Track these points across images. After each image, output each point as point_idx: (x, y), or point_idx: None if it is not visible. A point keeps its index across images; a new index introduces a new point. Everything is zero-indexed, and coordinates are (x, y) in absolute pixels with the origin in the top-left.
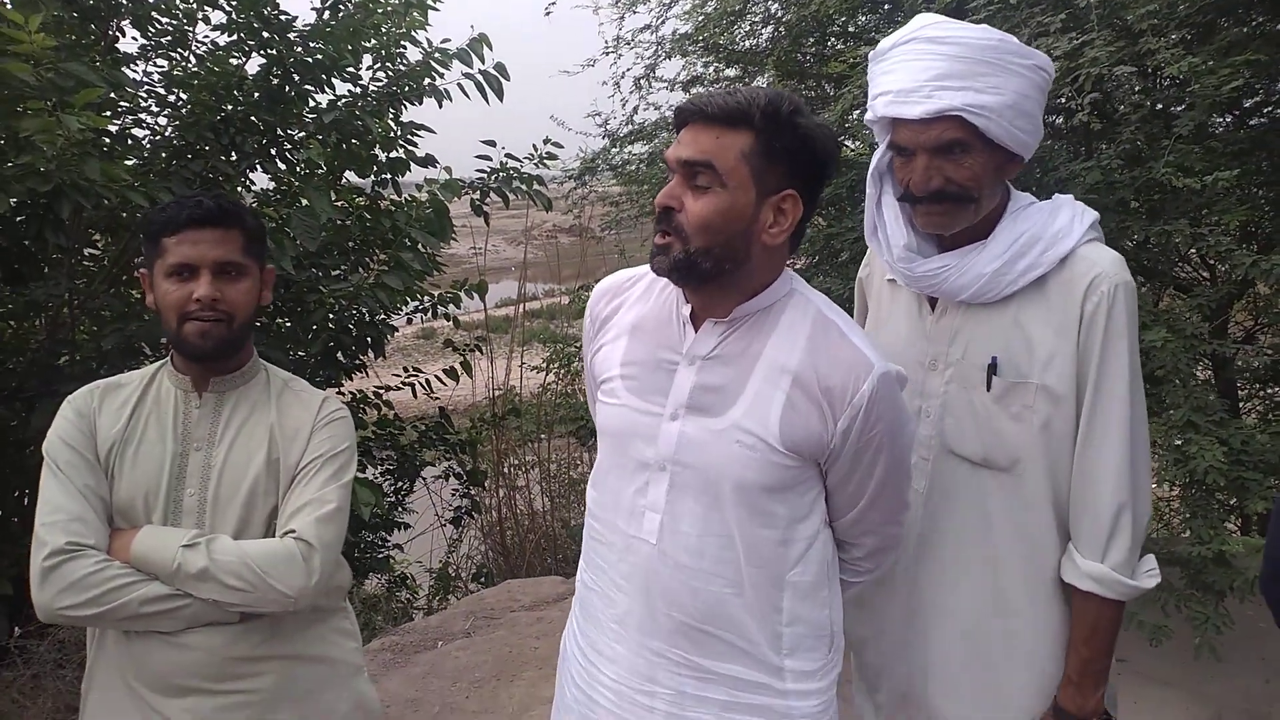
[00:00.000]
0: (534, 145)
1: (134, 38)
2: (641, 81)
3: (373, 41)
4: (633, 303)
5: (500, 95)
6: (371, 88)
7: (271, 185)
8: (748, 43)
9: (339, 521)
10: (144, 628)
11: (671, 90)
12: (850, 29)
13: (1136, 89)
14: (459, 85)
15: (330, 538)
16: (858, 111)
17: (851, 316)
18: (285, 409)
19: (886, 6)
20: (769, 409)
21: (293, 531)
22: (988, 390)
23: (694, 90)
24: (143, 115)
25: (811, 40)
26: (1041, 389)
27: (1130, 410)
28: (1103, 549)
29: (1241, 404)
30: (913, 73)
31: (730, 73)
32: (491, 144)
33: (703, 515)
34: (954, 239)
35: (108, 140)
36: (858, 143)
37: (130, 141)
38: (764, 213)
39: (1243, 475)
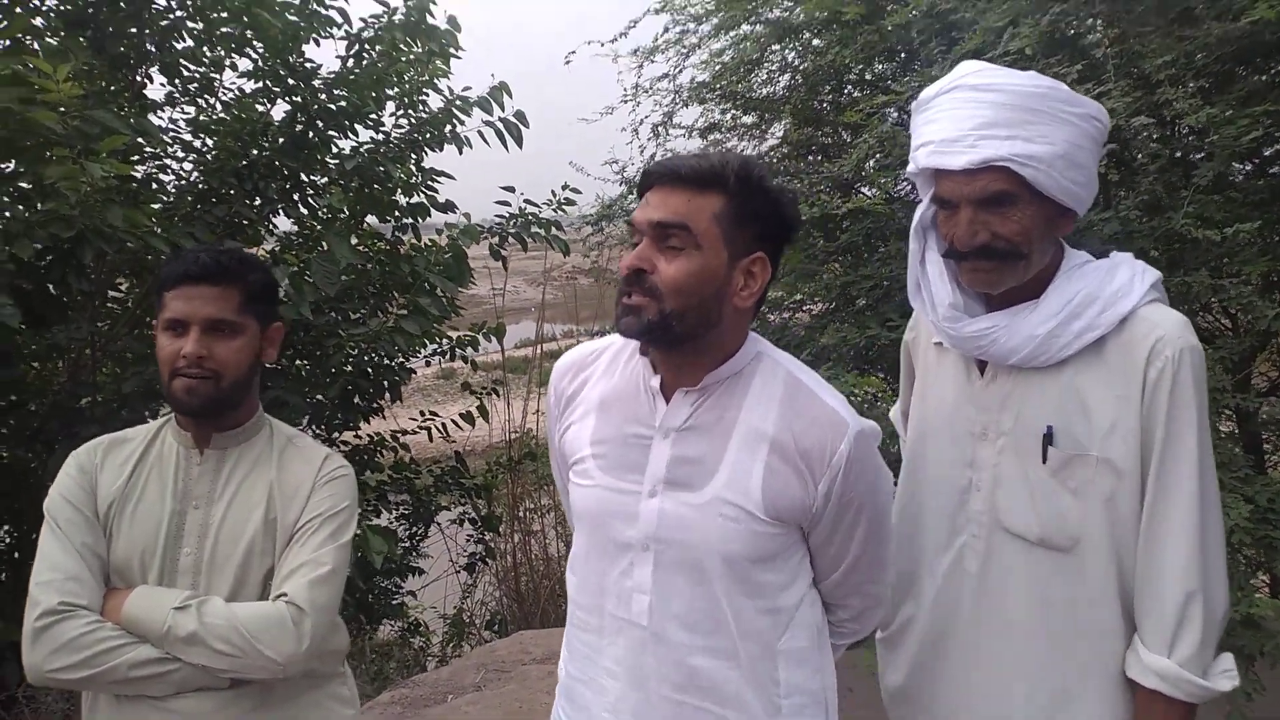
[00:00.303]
0: (552, 191)
1: (162, 84)
2: (659, 128)
3: (395, 90)
4: (598, 377)
5: (520, 142)
6: (394, 134)
7: (294, 229)
8: (765, 90)
9: (334, 584)
10: (133, 692)
11: (689, 137)
12: (867, 77)
13: (1154, 138)
14: (479, 132)
15: (324, 601)
16: (873, 160)
17: (894, 375)
18: (286, 466)
19: (903, 55)
20: (749, 478)
21: (284, 595)
22: (1043, 462)
23: (711, 137)
24: (168, 161)
25: (828, 88)
26: (1103, 462)
27: (1200, 486)
28: (1169, 642)
29: (1267, 459)
30: (956, 121)
31: (747, 120)
32: (510, 190)
33: (692, 592)
34: (1003, 298)
35: (133, 185)
36: (874, 190)
37: (155, 187)
38: (735, 275)
39: (1270, 534)
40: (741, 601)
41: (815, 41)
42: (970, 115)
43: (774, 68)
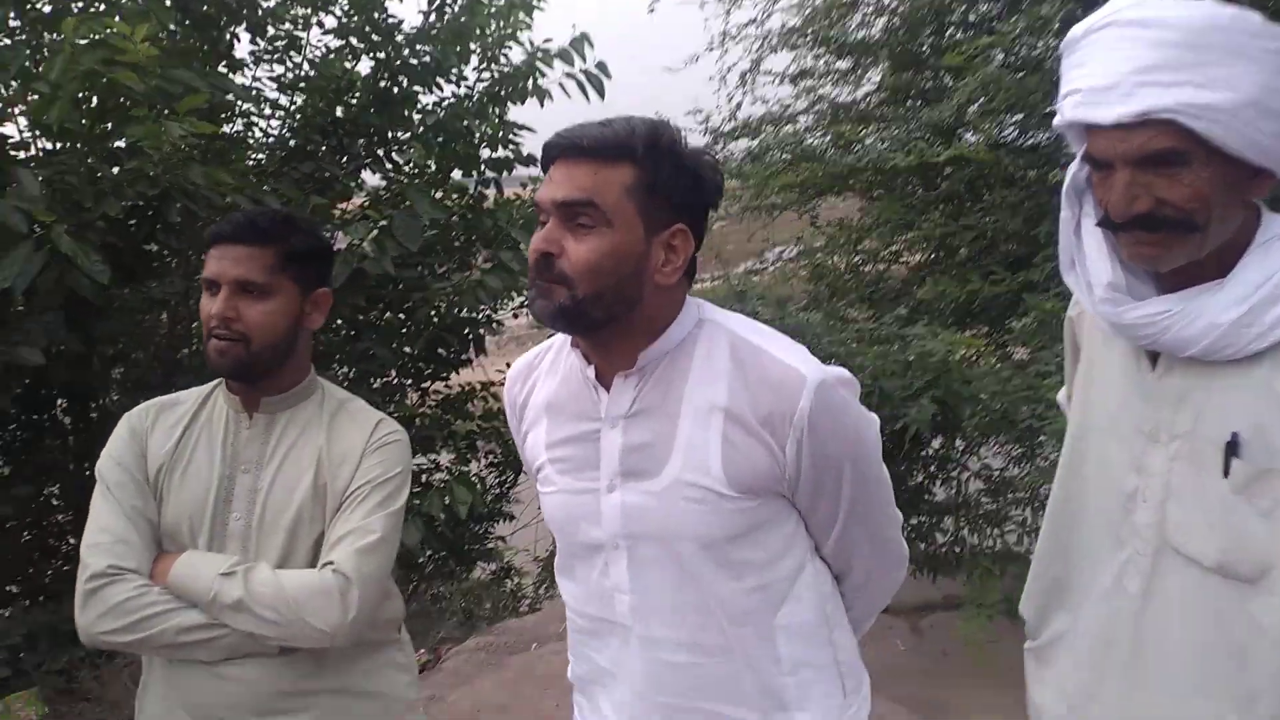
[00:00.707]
0: None
1: (249, 43)
2: (747, 76)
3: (477, 43)
4: (543, 379)
5: (601, 93)
6: (476, 88)
7: (382, 185)
8: (860, 34)
9: (383, 553)
10: (182, 656)
11: (779, 84)
12: (970, 18)
13: None
14: (560, 85)
15: (371, 570)
16: (976, 104)
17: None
18: (337, 431)
19: None
20: (707, 454)
21: (331, 563)
22: (1225, 475)
23: (803, 84)
24: (255, 119)
25: (928, 30)
26: None
27: None
28: None
29: None
30: (1108, 65)
31: (841, 65)
32: None
33: (671, 585)
34: (1178, 276)
35: (220, 144)
36: (976, 136)
37: (248, 144)
38: (654, 252)
39: None
40: (725, 585)
41: None
42: (1125, 57)
43: (870, 10)
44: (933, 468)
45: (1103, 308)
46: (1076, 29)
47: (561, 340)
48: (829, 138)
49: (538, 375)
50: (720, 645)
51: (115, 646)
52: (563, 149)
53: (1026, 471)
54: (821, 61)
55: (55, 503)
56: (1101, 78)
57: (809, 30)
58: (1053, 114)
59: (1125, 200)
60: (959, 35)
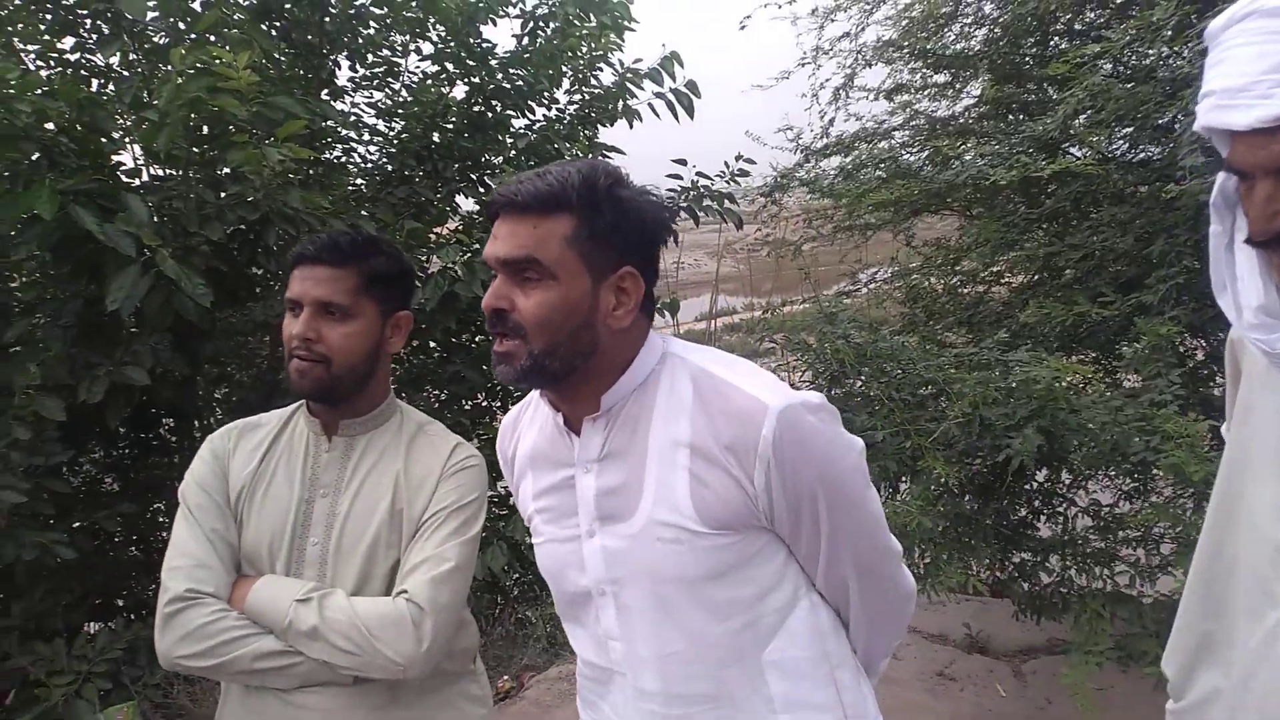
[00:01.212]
0: (725, 162)
1: (348, 71)
2: (840, 92)
3: (569, 66)
4: (525, 431)
5: (691, 113)
6: (567, 111)
7: (476, 209)
8: (958, 46)
9: (457, 582)
10: (257, 683)
11: (874, 100)
12: (1076, 26)
13: None
14: (650, 105)
15: (446, 600)
16: (1083, 115)
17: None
18: (414, 455)
19: (1120, 1)
20: (675, 493)
21: (405, 593)
22: None
23: (898, 99)
24: (353, 145)
25: (1031, 41)
26: None
27: None
28: None
29: None
30: (1242, 63)
31: (939, 79)
32: (682, 163)
33: (656, 632)
34: None
35: (318, 170)
36: (1083, 150)
37: (346, 170)
38: (603, 297)
39: None
40: (710, 628)
41: None
42: (1261, 54)
43: (969, 21)
44: (1037, 502)
45: (1253, 334)
46: (1217, 21)
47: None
48: (926, 153)
49: (522, 428)
50: (709, 693)
51: (193, 671)
52: (501, 205)
53: (1139, 508)
54: (918, 75)
55: (161, 520)
56: (1237, 77)
57: (905, 44)
58: (1166, 127)
59: (1264, 215)
60: (1063, 45)
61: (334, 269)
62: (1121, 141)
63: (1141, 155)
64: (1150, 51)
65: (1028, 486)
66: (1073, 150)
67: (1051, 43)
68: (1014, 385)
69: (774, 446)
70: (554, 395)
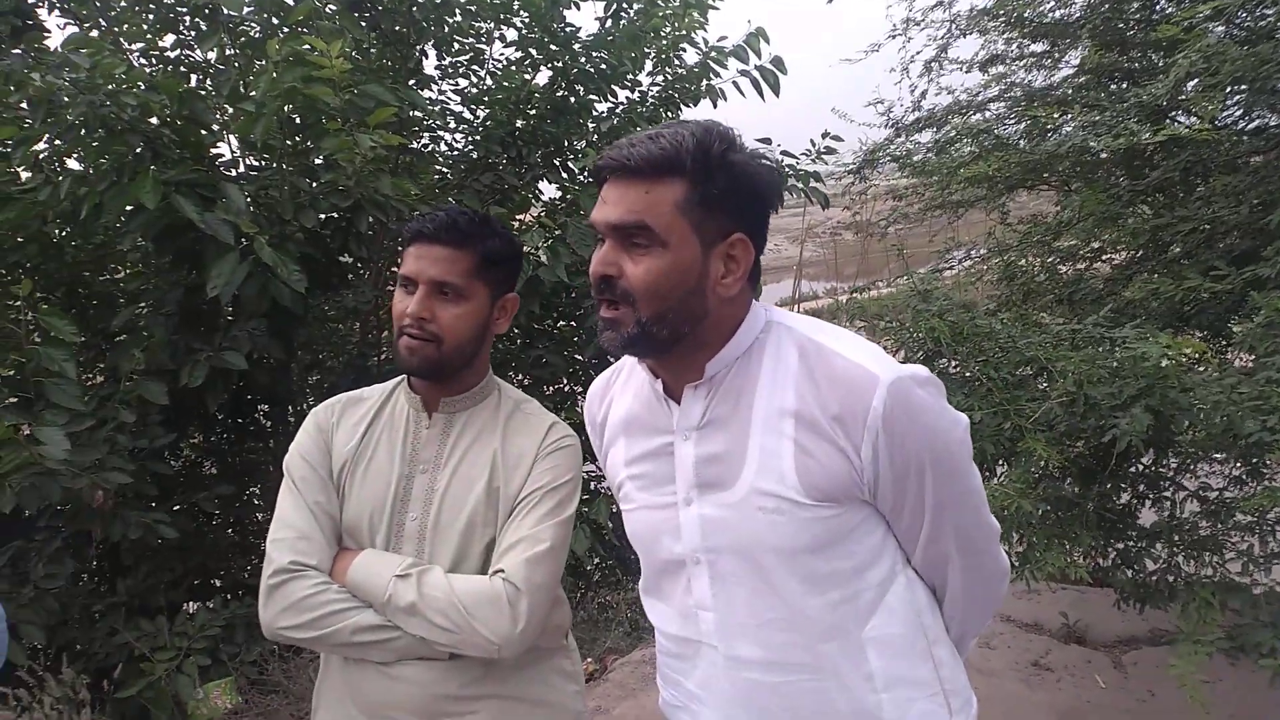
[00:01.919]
0: (811, 140)
1: (435, 60)
2: (932, 64)
3: (652, 48)
4: (619, 396)
5: (776, 90)
6: (650, 93)
7: (559, 195)
8: (1057, 13)
9: (553, 562)
10: (357, 655)
11: (967, 71)
12: None
13: None
14: (734, 83)
15: (541, 580)
16: (1195, 80)
17: None
18: (511, 434)
19: None
20: (781, 462)
21: (501, 571)
22: None
23: (993, 70)
24: (441, 132)
25: (1135, 6)
26: None
27: None
28: None
29: None
30: None
31: (1036, 48)
32: (767, 142)
33: (755, 601)
34: None
35: (408, 158)
36: (1191, 119)
37: (435, 157)
38: (713, 264)
39: None
40: (809, 600)
41: None
42: None
43: None
44: (1142, 486)
45: None
46: None
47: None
48: (1023, 125)
49: (613, 393)
50: (808, 663)
51: (295, 641)
52: (611, 169)
53: (1252, 493)
54: (1014, 45)
55: (256, 502)
56: None
57: (1001, 12)
58: None
59: None
60: (1170, 9)
61: (451, 249)
62: (1235, 108)
63: (1257, 122)
64: (1269, 12)
65: (1132, 470)
66: (1180, 119)
67: (1158, 6)
68: (1121, 363)
69: (884, 418)
70: (655, 362)
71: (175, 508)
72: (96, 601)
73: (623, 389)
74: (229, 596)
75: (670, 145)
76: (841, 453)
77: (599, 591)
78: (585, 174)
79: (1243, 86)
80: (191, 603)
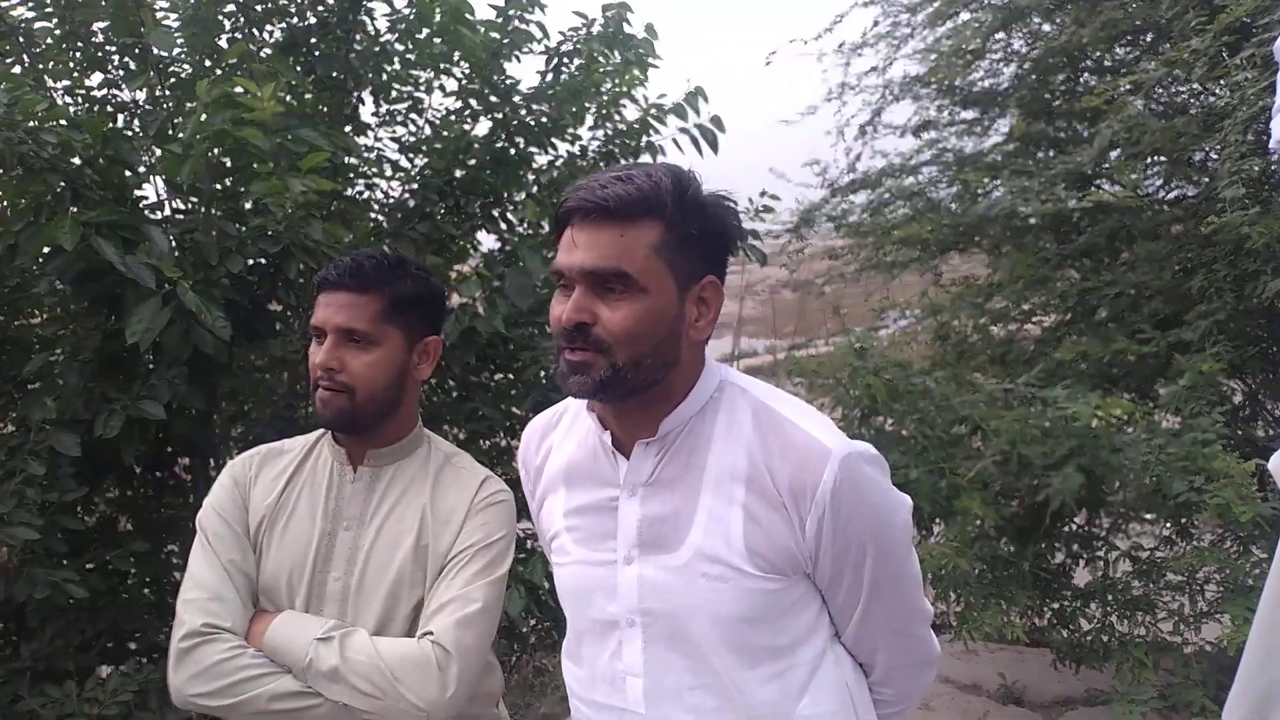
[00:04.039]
0: (749, 198)
1: (372, 108)
2: (867, 128)
3: (593, 102)
4: (560, 443)
5: (715, 148)
6: (590, 146)
7: (498, 245)
8: (986, 83)
9: (484, 624)
10: None
11: (900, 136)
12: (1106, 62)
13: None
14: (674, 140)
15: (472, 643)
16: (1118, 149)
17: None
18: (441, 488)
19: (1150, 35)
20: (728, 528)
21: (430, 634)
22: None
23: (925, 136)
24: (377, 180)
25: (1061, 77)
26: None
27: None
28: None
29: None
30: None
31: (967, 115)
32: None
33: (687, 669)
34: None
35: (340, 205)
36: (1115, 186)
37: (369, 206)
38: (687, 308)
39: None
40: (744, 673)
41: (1045, 27)
42: None
43: (997, 58)
44: (1075, 546)
45: None
46: None
47: (580, 404)
48: (954, 189)
49: (554, 438)
50: None
51: (207, 710)
52: (584, 211)
53: (1182, 552)
54: (946, 112)
55: (175, 560)
56: None
57: (932, 80)
58: (1200, 164)
59: None
60: (1094, 81)
61: (357, 294)
62: (1155, 178)
63: (1176, 192)
64: (1183, 89)
65: (1066, 529)
66: (1104, 186)
67: (1081, 79)
68: (1052, 423)
69: (832, 493)
70: (608, 412)
71: (87, 565)
72: None
73: (565, 436)
74: (144, 660)
75: (648, 185)
76: (789, 523)
77: (534, 655)
78: (525, 224)
79: (1162, 158)
80: (104, 666)
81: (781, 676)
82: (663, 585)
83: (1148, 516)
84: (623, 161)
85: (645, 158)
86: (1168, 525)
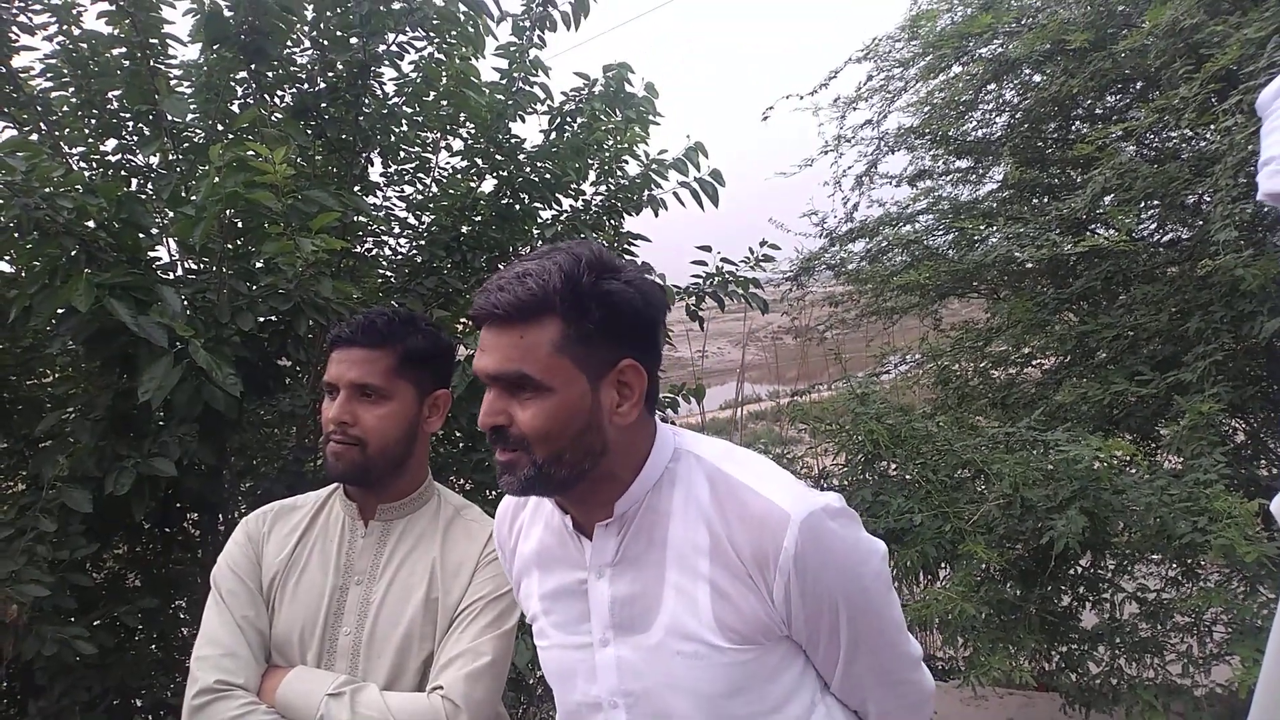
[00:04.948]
0: (750, 248)
1: (380, 169)
2: (863, 178)
3: (595, 159)
4: (529, 526)
5: (715, 201)
6: (593, 201)
7: None
8: (980, 132)
9: (493, 677)
10: None
11: (896, 185)
12: (1097, 111)
13: None
14: (674, 193)
15: (481, 696)
16: (1111, 195)
17: None
18: (451, 542)
19: (1139, 84)
20: (696, 606)
21: (440, 688)
22: None
23: (921, 185)
24: (385, 237)
25: (1052, 126)
26: None
27: None
28: None
29: None
30: None
31: (961, 164)
32: (707, 249)
33: None
34: None
35: (349, 262)
36: (1112, 230)
37: (378, 263)
38: (604, 396)
39: None
40: None
41: (1036, 78)
42: None
43: (989, 108)
44: (1081, 589)
45: None
46: (1266, 92)
47: None
48: (951, 236)
49: (523, 520)
50: None
51: None
52: (483, 316)
53: (1188, 593)
54: (940, 161)
55: (183, 616)
56: None
57: (927, 131)
58: (1193, 207)
59: None
60: (1085, 129)
61: (369, 350)
62: (1150, 221)
63: (1170, 235)
64: (1173, 134)
65: (1071, 572)
66: (1099, 231)
67: (1073, 127)
68: (1054, 465)
69: (795, 559)
70: (562, 499)
71: (95, 622)
72: None
73: (533, 517)
74: (150, 718)
75: (536, 286)
76: (757, 593)
77: (541, 706)
78: None
79: (1155, 202)
80: None
81: None
82: (640, 666)
83: (1153, 557)
84: (627, 215)
85: (647, 212)
86: (1173, 566)
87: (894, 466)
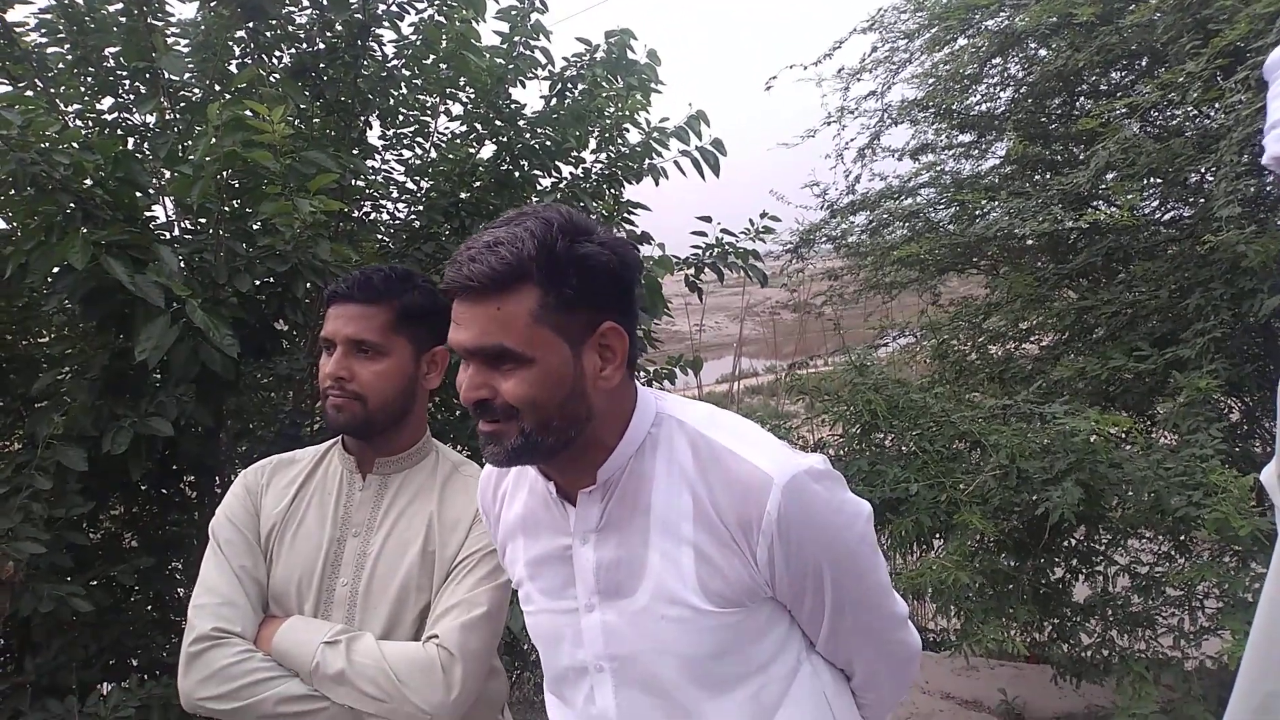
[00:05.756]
0: (750, 220)
1: (379, 132)
2: (865, 151)
3: (596, 126)
4: (513, 492)
5: (716, 171)
6: (593, 170)
7: None
8: (983, 106)
9: (488, 628)
10: None
11: (899, 159)
12: (1102, 86)
13: None
14: (675, 163)
15: (476, 646)
16: (1114, 171)
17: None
18: (449, 496)
19: (1145, 60)
20: (681, 570)
21: (435, 637)
22: None
23: (923, 159)
24: (383, 202)
25: (1057, 100)
26: None
27: None
28: None
29: None
30: None
31: (964, 138)
32: (707, 220)
33: (659, 709)
34: None
35: (347, 226)
36: (1114, 207)
37: (376, 227)
38: (587, 360)
39: None
40: (714, 704)
41: (1041, 52)
42: None
43: (994, 82)
44: (1074, 561)
45: None
46: (1274, 55)
47: None
48: (952, 209)
49: (506, 487)
50: None
51: (215, 713)
52: (455, 289)
53: (1181, 568)
54: (943, 135)
55: (178, 577)
56: None
57: (930, 104)
58: (1195, 186)
59: None
60: (1089, 105)
61: (366, 306)
62: (1152, 198)
63: (1171, 212)
64: (1178, 111)
65: (1065, 544)
66: (1100, 207)
67: (1077, 102)
68: (1051, 438)
69: (778, 523)
70: (546, 466)
71: (92, 581)
72: (1, 681)
73: (516, 483)
74: (145, 676)
75: (510, 255)
76: (741, 556)
77: (535, 672)
78: None
79: (1158, 179)
80: (105, 683)
81: (754, 697)
82: (626, 631)
83: (1146, 533)
84: (627, 184)
85: (648, 180)
86: (1166, 540)
87: (890, 438)
